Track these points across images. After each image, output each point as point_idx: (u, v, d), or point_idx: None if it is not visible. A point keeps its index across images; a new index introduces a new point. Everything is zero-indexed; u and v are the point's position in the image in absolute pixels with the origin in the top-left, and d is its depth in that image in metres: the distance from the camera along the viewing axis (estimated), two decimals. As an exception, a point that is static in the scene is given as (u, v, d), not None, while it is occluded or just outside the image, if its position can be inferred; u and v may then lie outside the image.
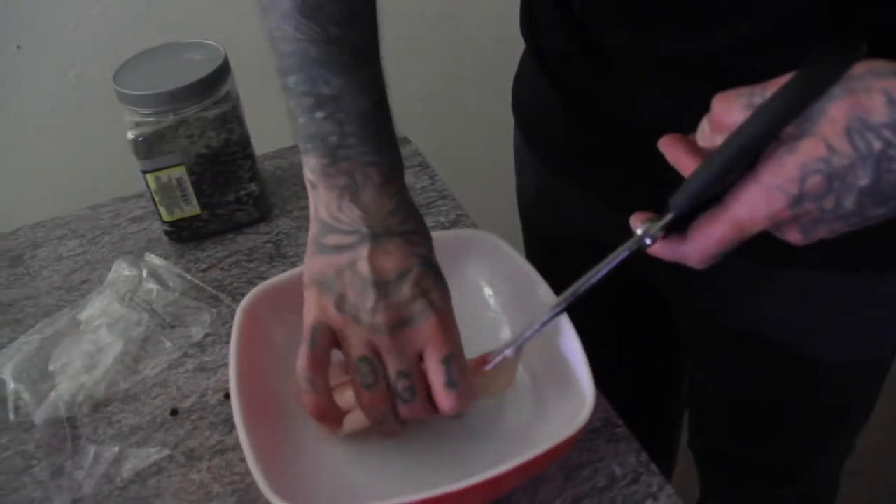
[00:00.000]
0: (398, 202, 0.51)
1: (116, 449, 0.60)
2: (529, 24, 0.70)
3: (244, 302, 0.60)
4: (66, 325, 0.71)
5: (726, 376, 0.74)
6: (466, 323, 0.53)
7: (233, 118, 0.73)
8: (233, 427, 0.61)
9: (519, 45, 0.74)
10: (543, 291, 0.58)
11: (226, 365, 0.66)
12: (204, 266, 0.76)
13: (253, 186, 0.78)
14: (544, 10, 0.66)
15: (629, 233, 0.45)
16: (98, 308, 0.71)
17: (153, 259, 0.75)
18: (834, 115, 0.36)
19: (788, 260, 0.58)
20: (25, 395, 0.64)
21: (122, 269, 0.74)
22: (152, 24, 1.15)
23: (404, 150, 0.88)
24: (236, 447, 0.60)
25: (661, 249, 0.45)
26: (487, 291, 0.64)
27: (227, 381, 0.65)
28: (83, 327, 0.70)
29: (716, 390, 0.77)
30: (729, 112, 0.40)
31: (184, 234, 0.78)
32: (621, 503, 0.54)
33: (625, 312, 0.80)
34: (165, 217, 0.76)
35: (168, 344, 0.68)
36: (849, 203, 0.37)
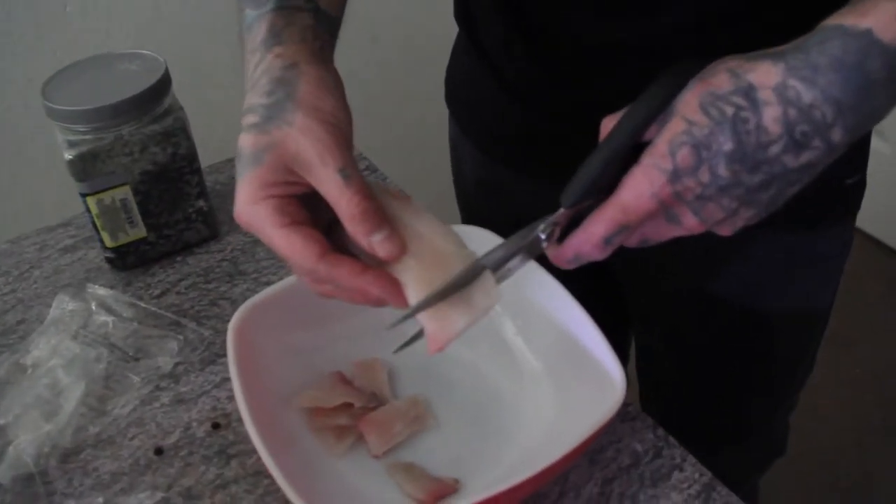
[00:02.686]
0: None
1: (100, 500, 0.55)
2: (465, 10, 0.70)
3: (234, 323, 0.56)
4: (8, 371, 0.63)
5: (684, 344, 0.76)
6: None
7: (178, 132, 0.68)
8: (230, 458, 0.57)
9: (450, 33, 0.73)
10: (542, 283, 0.58)
11: (206, 393, 0.62)
12: (157, 292, 0.71)
13: (201, 203, 0.73)
14: None
15: None
16: (46, 348, 0.64)
17: (98, 290, 0.69)
18: (689, 98, 0.40)
19: None
20: (-20, 454, 0.57)
21: (65, 304, 0.67)
22: (82, 34, 1.06)
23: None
24: (238, 479, 0.56)
25: (557, 250, 0.45)
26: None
27: (211, 410, 0.60)
28: (31, 372, 0.63)
29: (673, 359, 0.79)
30: (612, 123, 0.43)
31: (129, 260, 0.72)
32: (650, 478, 0.54)
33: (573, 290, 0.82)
34: (108, 243, 0.70)
35: (135, 378, 0.63)
36: (722, 171, 0.39)
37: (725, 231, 0.44)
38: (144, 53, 0.70)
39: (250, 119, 0.44)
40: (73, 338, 0.65)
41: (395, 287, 0.44)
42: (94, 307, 0.67)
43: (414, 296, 0.44)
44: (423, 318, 0.44)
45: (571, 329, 0.56)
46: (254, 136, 0.43)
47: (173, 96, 0.69)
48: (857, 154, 0.64)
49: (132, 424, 0.60)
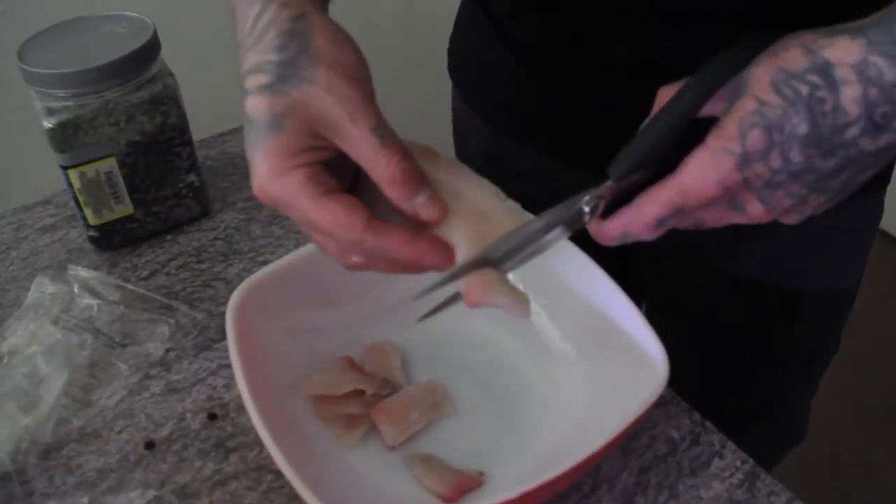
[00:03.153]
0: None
1: (85, 500, 0.50)
2: None
3: (233, 303, 0.51)
4: (-18, 360, 0.58)
5: (705, 326, 0.73)
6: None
7: (167, 100, 0.63)
8: (229, 452, 0.52)
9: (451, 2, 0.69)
10: (568, 257, 0.53)
11: (200, 381, 0.57)
12: (145, 273, 0.65)
13: (192, 177, 0.68)
14: None
15: (587, 187, 0.42)
16: (24, 335, 0.59)
17: (81, 272, 0.63)
18: (759, 74, 0.37)
19: None
20: (-49, 450, 0.52)
21: (44, 287, 0.62)
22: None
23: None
24: (239, 474, 0.51)
25: (602, 225, 0.42)
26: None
27: (206, 400, 0.55)
28: (7, 360, 0.57)
29: (693, 342, 0.76)
30: (670, 94, 0.40)
31: (115, 240, 0.67)
32: (688, 467, 0.50)
33: None
34: (92, 221, 0.65)
35: (123, 366, 0.58)
36: (795, 156, 0.36)
37: (791, 220, 0.41)
38: (131, 16, 0.64)
39: (260, 79, 0.39)
40: (54, 322, 0.59)
41: (450, 250, 0.41)
42: (76, 290, 0.62)
43: (467, 255, 0.40)
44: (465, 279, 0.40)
45: (603, 307, 0.51)
46: (268, 98, 0.38)
47: (162, 62, 0.64)
48: None
49: (120, 416, 0.55)
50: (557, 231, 0.42)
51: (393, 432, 0.51)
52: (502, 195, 0.42)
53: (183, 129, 0.65)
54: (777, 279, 0.66)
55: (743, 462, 0.51)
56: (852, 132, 0.36)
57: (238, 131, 0.82)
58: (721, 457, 0.51)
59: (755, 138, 0.36)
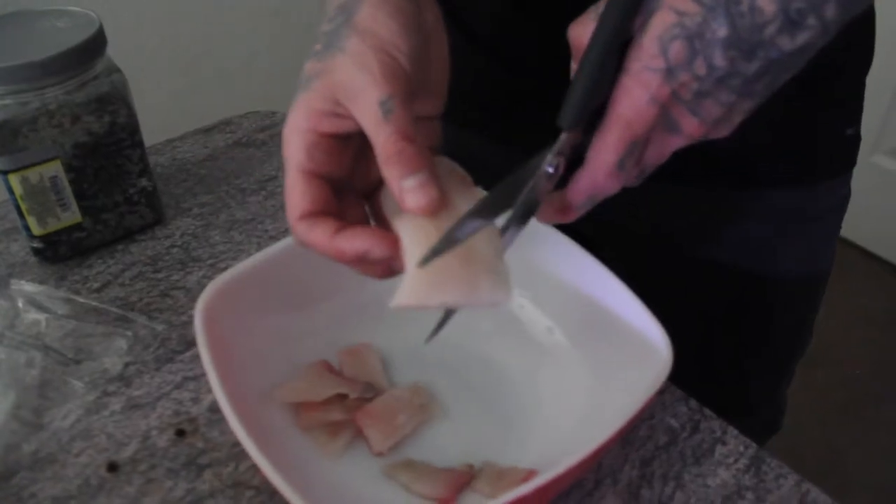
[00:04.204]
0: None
1: (43, 530, 0.45)
2: None
3: (200, 308, 0.47)
4: (-84, 386, 0.52)
5: (685, 314, 0.72)
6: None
7: (116, 98, 0.59)
8: (201, 469, 0.48)
9: None
10: (547, 238, 0.51)
11: (165, 396, 0.52)
12: (96, 285, 0.61)
13: (144, 182, 0.63)
14: None
15: None
16: (-36, 356, 0.53)
17: (25, 286, 0.58)
18: None
19: (744, 182, 0.60)
20: None
21: (-16, 304, 0.57)
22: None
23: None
24: (215, 492, 0.47)
25: (565, 196, 0.40)
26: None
27: (173, 416, 0.51)
28: (-55, 384, 0.52)
29: (673, 331, 0.75)
30: (584, 32, 0.39)
31: (61, 251, 0.62)
32: (691, 455, 0.48)
33: None
34: (36, 231, 0.60)
35: (77, 384, 0.53)
36: (718, 60, 0.36)
37: (723, 131, 0.40)
38: (74, 10, 0.60)
39: (315, 47, 0.40)
40: (-2, 341, 0.54)
41: (380, 238, 0.38)
42: (21, 304, 0.57)
43: (414, 251, 0.37)
44: (410, 272, 0.37)
45: (595, 292, 0.49)
46: (312, 62, 0.40)
47: (109, 59, 0.60)
48: (853, 102, 0.63)
49: (77, 438, 0.50)
50: (520, 209, 0.39)
51: (380, 437, 0.47)
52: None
53: (133, 129, 0.61)
54: (752, 265, 0.66)
55: (746, 447, 0.49)
56: (770, 30, 0.36)
57: (188, 137, 0.78)
58: (723, 443, 0.49)
59: (677, 50, 0.36)
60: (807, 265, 0.68)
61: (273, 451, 0.41)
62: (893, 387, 1.63)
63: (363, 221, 0.42)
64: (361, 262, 0.39)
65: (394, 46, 0.38)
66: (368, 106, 0.37)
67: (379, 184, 0.42)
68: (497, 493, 0.43)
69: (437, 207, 0.37)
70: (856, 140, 0.64)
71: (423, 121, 0.41)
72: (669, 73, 0.36)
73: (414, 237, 0.37)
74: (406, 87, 0.38)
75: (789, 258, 0.66)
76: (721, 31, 0.35)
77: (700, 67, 0.36)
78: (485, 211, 0.39)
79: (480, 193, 0.40)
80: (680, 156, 0.41)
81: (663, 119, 0.38)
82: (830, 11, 0.36)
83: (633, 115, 0.37)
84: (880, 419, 1.56)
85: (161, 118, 0.82)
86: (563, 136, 0.39)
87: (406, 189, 0.37)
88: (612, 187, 0.39)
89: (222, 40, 1.38)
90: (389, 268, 0.40)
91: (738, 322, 0.70)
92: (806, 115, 0.60)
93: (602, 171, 0.38)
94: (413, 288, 0.37)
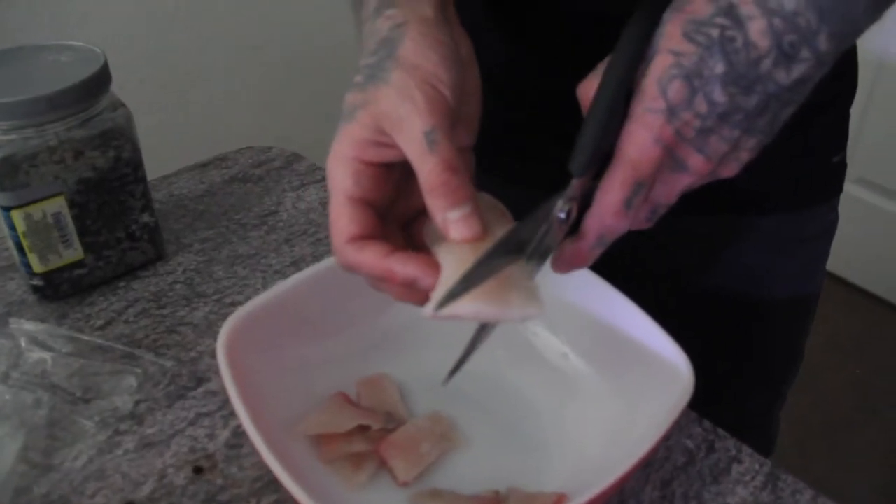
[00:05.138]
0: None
1: (60, 574, 0.44)
2: None
3: (223, 341, 0.46)
4: (-84, 430, 0.51)
5: (680, 340, 0.74)
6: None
7: (120, 134, 0.59)
8: (223, 505, 0.47)
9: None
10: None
11: (179, 433, 0.52)
12: (100, 322, 0.60)
13: (147, 217, 0.63)
14: None
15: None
16: (-33, 397, 0.52)
17: (25, 324, 0.57)
18: (669, 30, 0.38)
19: (740, 208, 0.62)
20: None
21: (-15, 344, 0.55)
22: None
23: (300, 167, 0.78)
24: (238, 529, 0.46)
25: (575, 242, 0.41)
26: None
27: (189, 452, 0.50)
28: (-53, 428, 0.51)
29: None
30: (592, 87, 0.40)
31: (61, 289, 0.61)
32: (709, 474, 0.49)
33: None
34: (37, 268, 0.59)
35: (88, 423, 0.52)
36: (718, 96, 0.37)
37: (731, 169, 0.41)
38: (78, 45, 0.60)
39: (356, 79, 0.41)
40: (2, 381, 0.53)
41: (430, 267, 0.38)
42: (23, 343, 0.55)
43: (451, 271, 0.38)
44: (444, 283, 0.37)
45: (607, 315, 0.50)
46: (354, 94, 0.40)
47: (113, 94, 0.60)
48: (840, 131, 0.66)
49: (90, 479, 0.49)
50: (534, 254, 0.40)
51: (405, 467, 0.47)
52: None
53: (137, 164, 0.61)
54: (747, 289, 0.67)
55: (761, 465, 0.50)
56: (766, 64, 0.37)
57: (183, 172, 0.78)
58: (739, 461, 0.50)
59: (676, 89, 0.37)
60: (799, 288, 0.70)
61: (301, 485, 0.41)
62: (869, 413, 1.67)
63: (404, 249, 0.42)
64: (405, 287, 0.39)
65: (437, 79, 0.39)
66: (413, 136, 0.38)
67: (418, 214, 0.43)
68: None
69: (480, 239, 0.38)
70: (842, 167, 0.67)
71: (461, 151, 0.42)
72: (671, 112, 0.38)
73: (453, 264, 0.38)
74: (449, 118, 0.38)
75: (782, 282, 0.68)
76: (718, 67, 0.37)
77: (701, 105, 0.38)
78: (506, 249, 0.39)
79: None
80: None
81: (669, 159, 0.39)
82: (823, 44, 0.37)
83: (637, 156, 0.38)
84: (856, 445, 1.59)
85: (157, 153, 0.81)
86: (574, 182, 0.40)
87: (451, 220, 0.38)
88: (620, 227, 0.40)
89: (205, 76, 1.39)
90: (426, 296, 0.40)
91: (734, 345, 0.72)
92: (797, 144, 0.62)
93: (609, 211, 0.39)
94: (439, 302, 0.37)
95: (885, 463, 1.55)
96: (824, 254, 0.71)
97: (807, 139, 0.62)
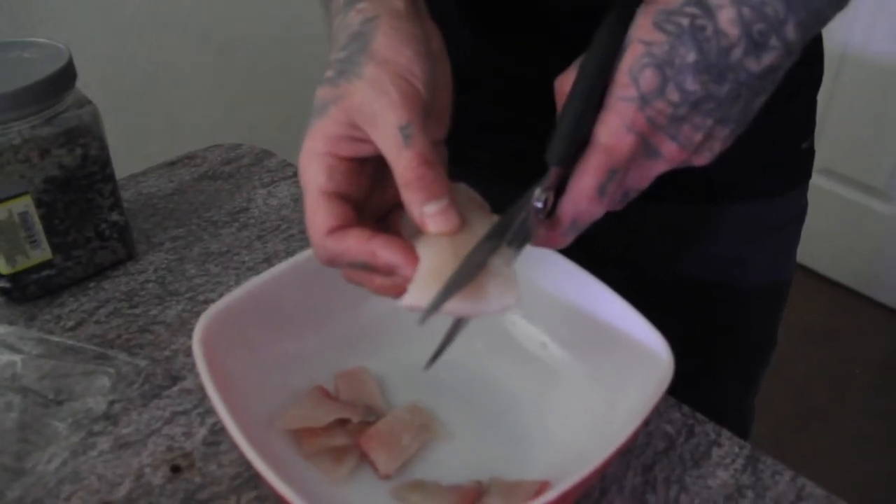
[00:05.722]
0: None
1: (36, 579, 0.43)
2: None
3: (198, 337, 0.46)
4: None
5: (664, 328, 0.74)
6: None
7: (88, 130, 0.58)
8: (202, 504, 0.46)
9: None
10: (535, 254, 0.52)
11: (155, 432, 0.51)
12: (70, 323, 0.58)
13: (116, 216, 0.62)
14: None
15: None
16: (-66, 403, 0.50)
17: (-7, 328, 0.56)
18: (641, 21, 0.39)
19: (712, 195, 0.63)
20: None
21: (-48, 348, 0.54)
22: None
23: (270, 163, 0.78)
24: (218, 527, 0.45)
25: (550, 225, 0.42)
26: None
27: (166, 451, 0.49)
28: (-86, 434, 0.49)
29: None
30: (568, 80, 0.41)
31: (30, 290, 0.59)
32: (690, 458, 0.49)
33: None
34: (4, 270, 0.57)
35: (60, 425, 0.51)
36: (690, 84, 0.38)
37: (705, 158, 0.42)
38: (42, 41, 0.58)
39: (327, 74, 0.41)
40: (-29, 385, 0.51)
41: (410, 255, 0.38)
42: (-8, 347, 0.54)
43: (428, 260, 0.38)
44: (421, 275, 0.38)
45: (588, 304, 0.50)
46: (325, 89, 0.40)
47: (79, 91, 0.59)
48: (808, 118, 0.67)
49: (65, 481, 0.48)
50: (514, 241, 0.40)
51: (386, 460, 0.47)
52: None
53: (105, 162, 0.60)
54: (721, 276, 0.68)
55: (741, 448, 0.50)
56: (737, 53, 0.38)
57: (151, 171, 0.77)
58: (719, 445, 0.50)
59: (647, 78, 0.38)
60: (771, 274, 0.71)
61: (282, 479, 0.40)
62: (838, 400, 1.70)
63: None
64: (383, 278, 0.39)
65: (410, 73, 0.39)
66: (388, 131, 0.37)
67: (392, 207, 0.43)
68: None
69: (456, 228, 0.38)
70: (811, 153, 0.68)
71: (434, 145, 0.42)
72: (643, 100, 0.38)
73: (431, 256, 0.38)
74: (423, 112, 0.38)
75: (755, 268, 0.69)
76: (690, 56, 0.37)
77: (673, 93, 0.38)
78: (487, 240, 0.40)
79: (494, 218, 0.41)
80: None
81: (643, 146, 0.40)
82: (791, 33, 0.38)
83: (611, 143, 0.39)
84: (827, 433, 1.62)
85: (123, 151, 0.80)
86: (551, 171, 0.40)
87: (428, 214, 0.38)
88: (594, 212, 0.40)
89: (173, 74, 1.37)
90: (404, 288, 0.40)
91: (709, 332, 0.72)
92: (767, 132, 0.63)
93: (583, 196, 0.39)
94: (422, 289, 0.37)
95: (856, 451, 1.58)
96: (795, 240, 0.72)
97: (776, 126, 0.63)
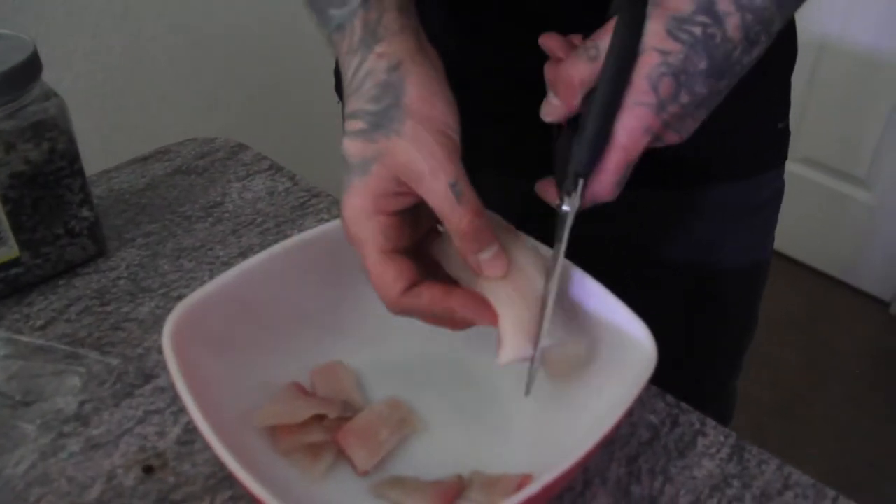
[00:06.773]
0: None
1: (3, 585, 0.41)
2: None
3: (168, 333, 0.44)
4: None
5: (643, 316, 0.74)
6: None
7: (54, 125, 0.56)
8: (176, 504, 0.45)
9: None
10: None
11: (128, 432, 0.49)
12: (40, 322, 0.57)
13: (86, 212, 0.60)
14: None
15: (537, 202, 0.45)
16: None
17: (-41, 328, 0.54)
18: (654, 28, 0.41)
19: (691, 179, 0.64)
20: None
21: (-84, 350, 0.52)
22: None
23: (245, 157, 0.76)
24: (192, 528, 0.44)
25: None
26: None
27: (138, 452, 0.48)
28: None
29: None
30: (575, 70, 0.42)
31: (-3, 289, 0.58)
32: (675, 448, 0.49)
33: None
34: (-31, 268, 0.56)
35: (29, 427, 0.49)
36: (700, 88, 0.41)
37: (679, 137, 0.45)
38: (5, 33, 0.57)
39: (357, 125, 0.42)
40: (-65, 388, 0.50)
41: (484, 304, 0.43)
42: (-43, 348, 0.53)
43: (506, 313, 0.43)
44: (508, 332, 0.43)
45: (567, 292, 0.49)
46: (361, 143, 0.42)
47: (44, 84, 0.57)
48: (782, 98, 0.67)
49: (34, 484, 0.46)
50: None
51: (364, 456, 0.46)
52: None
53: (73, 156, 0.58)
54: (702, 258, 0.68)
55: (726, 437, 0.50)
56: (737, 54, 0.41)
57: (124, 167, 0.75)
58: (704, 434, 0.50)
59: (666, 86, 0.40)
60: (751, 255, 0.72)
61: (258, 479, 0.39)
62: (821, 387, 1.70)
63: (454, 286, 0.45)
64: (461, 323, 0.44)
65: (447, 126, 0.41)
66: (440, 190, 0.40)
67: (422, 237, 0.46)
68: (493, 500, 0.43)
69: (507, 271, 0.43)
70: (786, 134, 0.68)
71: None
72: (661, 106, 0.41)
73: (500, 300, 0.42)
74: (459, 161, 0.41)
75: (735, 249, 0.70)
76: (702, 63, 0.40)
77: (685, 97, 0.41)
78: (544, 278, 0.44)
79: (524, 238, 0.46)
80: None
81: (653, 139, 0.43)
82: (776, 26, 0.42)
83: (630, 144, 0.42)
84: (811, 419, 1.62)
85: (94, 147, 0.78)
86: (582, 182, 0.43)
87: (484, 261, 0.42)
88: (611, 198, 0.44)
89: (144, 68, 1.35)
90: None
91: (691, 314, 0.72)
92: (742, 112, 0.63)
93: (605, 192, 0.43)
94: (515, 345, 0.42)
95: (839, 438, 1.58)
96: (773, 220, 0.72)
97: (751, 108, 0.63)
